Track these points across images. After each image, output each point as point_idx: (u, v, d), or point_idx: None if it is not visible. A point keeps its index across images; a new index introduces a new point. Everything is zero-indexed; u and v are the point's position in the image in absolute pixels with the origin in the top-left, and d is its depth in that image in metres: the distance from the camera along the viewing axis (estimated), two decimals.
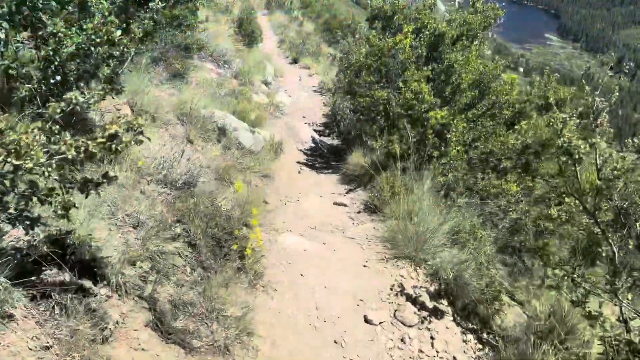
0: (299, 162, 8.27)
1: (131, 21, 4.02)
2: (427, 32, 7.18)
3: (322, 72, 17.07)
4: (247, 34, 15.76)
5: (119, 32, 3.64)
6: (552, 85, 7.60)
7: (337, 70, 13.63)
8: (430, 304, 4.38)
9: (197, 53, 9.84)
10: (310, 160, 8.48)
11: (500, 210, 6.13)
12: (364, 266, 4.85)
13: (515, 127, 7.01)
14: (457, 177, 6.29)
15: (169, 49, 8.69)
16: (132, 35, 3.78)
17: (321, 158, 8.69)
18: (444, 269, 4.67)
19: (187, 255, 4.06)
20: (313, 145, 9.13)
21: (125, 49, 3.95)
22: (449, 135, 6.35)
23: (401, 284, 4.59)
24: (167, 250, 3.95)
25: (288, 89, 14.37)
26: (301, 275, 4.62)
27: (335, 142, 9.98)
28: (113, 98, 4.48)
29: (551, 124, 3.60)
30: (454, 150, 6.49)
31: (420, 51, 7.04)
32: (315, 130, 10.69)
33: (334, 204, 6.46)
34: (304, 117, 11.89)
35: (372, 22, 7.75)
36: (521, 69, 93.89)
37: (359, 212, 6.16)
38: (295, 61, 18.32)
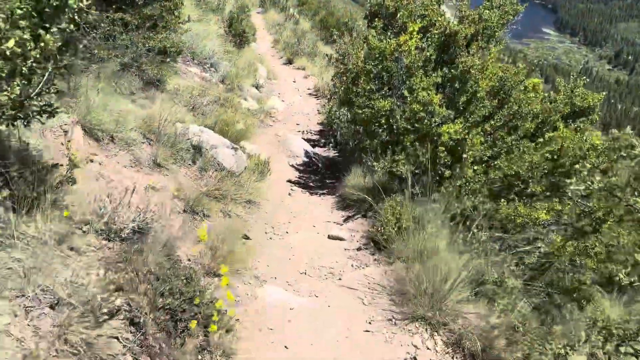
0: (290, 181, 7.18)
1: (48, 26, 2.95)
2: (436, 32, 6.08)
3: (318, 73, 15.96)
4: (238, 34, 14.61)
5: (11, 42, 2.55)
6: (580, 90, 6.50)
7: (333, 73, 12.52)
8: None
9: (177, 57, 8.73)
10: (302, 178, 7.39)
11: (528, 243, 5.06)
12: (367, 331, 3.78)
13: (539, 140, 5.92)
14: (475, 204, 5.21)
15: (142, 53, 7.59)
16: (43, 45, 2.72)
17: (315, 175, 7.61)
18: (469, 337, 3.60)
19: (128, 339, 2.99)
20: (306, 159, 8.04)
21: (36, 64, 2.84)
22: (465, 155, 5.26)
23: (415, 358, 3.52)
24: (99, 336, 2.88)
25: (281, 93, 13.27)
26: (285, 347, 3.55)
27: (332, 153, 8.89)
28: (25, 126, 3.39)
29: None
30: (470, 171, 5.41)
31: (428, 54, 5.93)
32: (309, 140, 9.59)
33: (329, 237, 5.38)
34: (297, 124, 10.80)
35: (371, 20, 6.64)
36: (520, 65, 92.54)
37: (359, 249, 5.08)
38: (289, 62, 17.21)
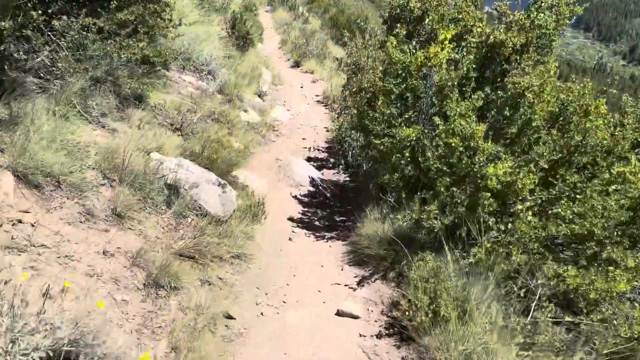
0: (291, 219, 5.86)
1: None
2: (474, 41, 4.71)
3: (327, 77, 14.60)
4: (242, 36, 13.29)
5: None
6: None
7: (342, 80, 11.16)
8: None
9: (164, 67, 7.44)
10: (307, 213, 6.07)
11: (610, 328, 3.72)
12: None
13: (604, 176, 4.54)
14: (534, 271, 3.88)
15: (118, 65, 6.31)
16: None
17: (323, 209, 6.27)
18: None
19: None
20: (312, 188, 6.71)
21: None
22: (519, 207, 3.91)
23: None
24: None
25: (287, 100, 11.94)
26: None
27: (342, 177, 7.55)
28: None
29: None
30: (523, 225, 4.05)
31: (465, 70, 4.57)
32: (316, 159, 8.27)
33: (338, 313, 4.06)
34: (303, 138, 9.47)
35: (392, 26, 5.28)
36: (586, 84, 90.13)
37: (378, 336, 3.76)
38: (297, 64, 15.87)
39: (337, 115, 8.33)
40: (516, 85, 4.12)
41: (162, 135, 6.35)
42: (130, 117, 6.18)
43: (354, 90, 4.96)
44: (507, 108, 4.25)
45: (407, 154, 4.63)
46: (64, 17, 6.04)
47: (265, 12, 25.49)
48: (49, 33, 6.10)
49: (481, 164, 3.99)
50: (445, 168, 4.10)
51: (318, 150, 8.88)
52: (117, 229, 4.09)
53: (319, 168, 7.92)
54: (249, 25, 14.01)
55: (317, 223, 5.84)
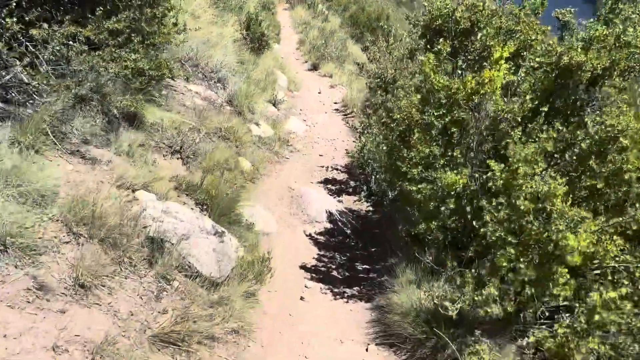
0: (304, 267, 4.85)
1: None
2: (542, 62, 3.61)
3: (347, 82, 13.51)
4: (257, 38, 12.27)
5: None
6: None
7: (365, 95, 10.09)
8: None
9: (162, 80, 6.49)
10: (323, 259, 5.06)
11: None
12: None
13: None
14: None
15: (106, 81, 5.37)
16: None
17: (342, 252, 5.25)
18: None
19: None
20: (329, 225, 5.70)
21: None
22: (613, 294, 2.84)
23: None
24: None
25: (303, 109, 10.92)
26: None
27: (364, 207, 6.51)
28: None
29: None
30: (612, 315, 2.98)
31: (529, 99, 3.49)
32: (334, 182, 7.24)
33: None
34: (320, 155, 8.46)
35: (431, 40, 4.20)
36: None
37: None
38: (315, 67, 14.78)
39: (358, 134, 7.25)
40: (607, 128, 3.03)
41: (157, 161, 5.40)
42: (119, 142, 5.24)
43: (382, 119, 3.89)
44: (590, 156, 3.16)
45: (452, 205, 3.57)
46: (45, 25, 5.13)
47: (284, 10, 24.42)
48: (27, 43, 5.20)
49: (558, 231, 2.92)
50: (510, 238, 3.04)
51: (336, 169, 7.85)
52: (78, 307, 3.13)
53: (338, 193, 6.90)
54: (264, 26, 12.97)
55: (335, 273, 4.82)
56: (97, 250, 3.49)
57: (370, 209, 6.40)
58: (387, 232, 5.52)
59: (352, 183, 7.25)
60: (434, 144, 3.61)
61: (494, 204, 3.14)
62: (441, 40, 3.78)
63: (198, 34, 10.32)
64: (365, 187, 6.60)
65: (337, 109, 11.41)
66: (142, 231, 3.75)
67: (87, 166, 4.47)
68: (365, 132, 6.67)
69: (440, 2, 4.01)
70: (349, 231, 5.64)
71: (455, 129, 3.54)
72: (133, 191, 4.42)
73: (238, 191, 5.25)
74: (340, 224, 5.69)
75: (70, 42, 5.25)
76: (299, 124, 9.74)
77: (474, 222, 3.50)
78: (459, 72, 3.83)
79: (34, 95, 4.81)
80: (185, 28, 7.04)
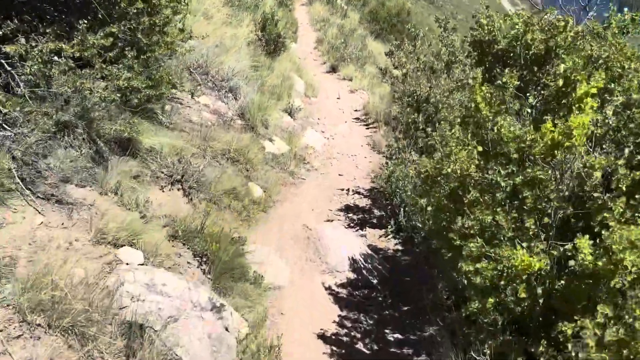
0: (323, 336, 3.97)
1: None
2: (637, 97, 2.65)
3: (368, 86, 12.55)
4: (272, 39, 11.34)
5: None
6: None
7: (387, 103, 9.13)
8: None
9: (160, 100, 5.65)
10: (346, 324, 4.15)
11: None
12: None
13: None
14: None
15: (92, 105, 4.54)
16: None
17: (367, 312, 4.35)
18: None
19: None
20: (353, 275, 4.80)
21: None
22: None
23: None
24: None
25: (321, 117, 10.01)
26: None
27: (392, 244, 5.60)
28: None
29: None
30: None
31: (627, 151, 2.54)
32: (356, 210, 6.35)
33: None
34: (340, 174, 7.57)
35: (491, 68, 3.23)
36: None
37: None
38: (333, 69, 13.81)
39: (385, 160, 6.29)
40: None
41: (150, 200, 4.57)
42: (108, 176, 4.43)
43: (424, 172, 2.98)
44: None
45: (522, 292, 2.66)
46: (22, 40, 4.33)
47: (301, 7, 23.39)
48: (3, 61, 4.42)
49: None
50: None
51: (358, 193, 6.95)
52: None
53: (361, 224, 6.00)
54: (281, 26, 12.04)
55: (360, 345, 3.93)
56: (59, 346, 2.67)
57: (399, 247, 5.49)
58: (421, 281, 4.62)
59: (376, 211, 6.34)
60: (499, 209, 2.69)
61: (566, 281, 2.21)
62: (507, 71, 2.83)
63: (210, 36, 9.48)
64: (392, 221, 5.69)
65: (357, 118, 10.48)
66: (118, 315, 2.92)
67: (63, 215, 3.66)
68: (394, 157, 5.73)
69: (504, 20, 3.04)
70: (375, 280, 4.75)
71: (528, 193, 2.61)
72: (116, 246, 3.60)
73: (243, 240, 4.37)
74: (365, 271, 4.80)
75: (56, 58, 4.45)
76: (317, 137, 8.84)
77: (551, 314, 2.59)
78: (528, 110, 2.89)
79: (4, 126, 4.02)
80: (191, 36, 6.19)
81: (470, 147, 2.75)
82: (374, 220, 6.14)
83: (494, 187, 2.69)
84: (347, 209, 6.41)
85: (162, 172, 5.15)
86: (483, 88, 2.89)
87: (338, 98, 11.51)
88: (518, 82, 2.81)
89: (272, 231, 5.23)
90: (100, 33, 4.36)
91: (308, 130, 8.85)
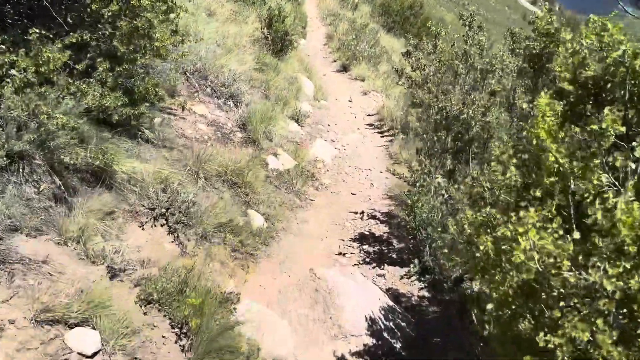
0: None
1: None
2: None
3: (382, 87, 11.60)
4: (279, 38, 10.38)
5: None
6: None
7: (403, 107, 8.17)
8: None
9: (139, 118, 4.75)
10: None
11: None
12: None
13: None
14: None
15: (51, 132, 3.66)
16: None
17: None
18: None
19: None
20: (371, 340, 3.87)
21: None
22: None
23: None
24: None
25: (331, 124, 9.08)
26: None
27: (416, 289, 4.69)
28: None
29: None
30: None
31: None
32: (372, 240, 5.45)
33: None
34: (353, 193, 6.69)
35: (578, 103, 2.28)
36: None
37: None
38: (345, 68, 12.85)
39: (411, 186, 5.32)
40: None
41: (128, 235, 3.72)
42: (71, 217, 3.57)
43: (467, 231, 2.09)
44: None
45: None
46: None
47: (311, 0, 22.40)
48: None
49: None
50: None
51: (374, 217, 6.05)
52: None
53: (378, 260, 5.11)
54: (288, 23, 11.05)
55: None
56: None
57: (425, 293, 4.58)
58: (454, 345, 3.71)
59: (395, 243, 5.43)
60: (600, 321, 1.78)
61: None
62: (606, 110, 1.89)
63: (212, 35, 8.57)
64: (416, 260, 4.78)
65: (371, 124, 9.53)
66: None
67: (1, 284, 2.81)
68: (419, 184, 4.81)
69: (601, 36, 2.09)
70: (398, 345, 3.84)
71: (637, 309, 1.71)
72: (66, 325, 2.74)
73: (235, 298, 3.50)
74: (386, 333, 3.90)
75: (13, 72, 3.59)
76: (327, 147, 7.93)
77: None
78: (632, 166, 1.97)
79: None
80: (183, 40, 5.30)
81: (555, 226, 1.84)
82: (394, 255, 5.24)
83: (592, 290, 1.78)
84: (362, 238, 5.52)
85: (143, 205, 4.29)
86: (562, 134, 1.97)
87: (349, 101, 10.56)
88: (623, 128, 1.89)
89: (274, 275, 4.36)
90: (58, 44, 3.47)
91: (317, 140, 7.93)
